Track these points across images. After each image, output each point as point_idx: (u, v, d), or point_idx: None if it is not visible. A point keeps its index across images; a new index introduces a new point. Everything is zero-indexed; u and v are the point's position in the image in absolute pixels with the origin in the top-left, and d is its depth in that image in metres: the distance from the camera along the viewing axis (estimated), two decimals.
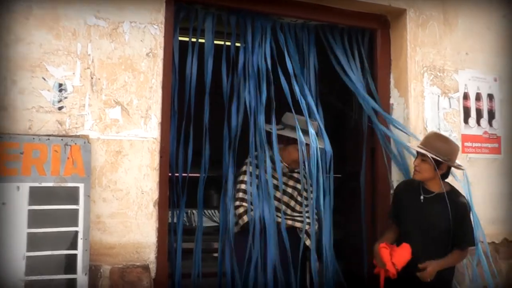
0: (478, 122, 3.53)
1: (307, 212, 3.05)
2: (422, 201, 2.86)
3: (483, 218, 3.45)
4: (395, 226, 3.02)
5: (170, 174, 2.96)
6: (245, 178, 3.07)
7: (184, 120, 3.04)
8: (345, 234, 3.99)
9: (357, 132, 3.69)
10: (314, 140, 3.00)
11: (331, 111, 3.77)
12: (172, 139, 2.95)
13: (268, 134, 3.09)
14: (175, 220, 3.10)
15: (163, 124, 2.80)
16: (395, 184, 3.32)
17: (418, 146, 2.88)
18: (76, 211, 2.49)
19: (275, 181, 3.05)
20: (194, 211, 4.31)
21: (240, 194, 3.04)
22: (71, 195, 2.50)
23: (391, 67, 3.53)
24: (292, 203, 3.19)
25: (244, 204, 3.02)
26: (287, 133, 3.12)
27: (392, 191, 3.26)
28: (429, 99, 3.39)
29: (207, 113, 3.11)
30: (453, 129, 3.43)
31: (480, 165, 3.50)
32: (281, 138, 3.11)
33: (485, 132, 3.55)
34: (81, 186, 2.52)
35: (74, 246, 2.47)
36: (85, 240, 2.49)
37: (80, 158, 2.54)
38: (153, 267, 2.71)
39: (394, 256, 2.77)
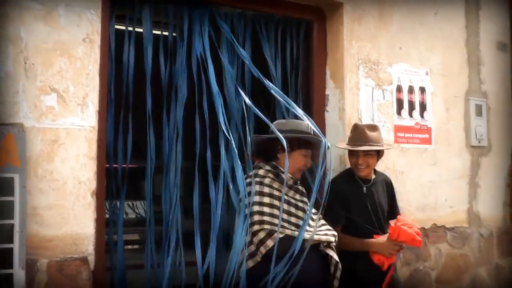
0: (410, 114, 3.85)
1: (324, 224, 2.85)
2: (365, 191, 3.11)
3: (414, 205, 3.81)
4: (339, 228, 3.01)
5: (107, 166, 3.02)
6: (257, 198, 2.68)
7: (122, 109, 3.11)
8: None
9: None
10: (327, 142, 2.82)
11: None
12: (110, 128, 3.02)
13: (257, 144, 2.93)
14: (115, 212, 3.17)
15: (100, 113, 2.86)
16: None
17: (357, 145, 3.04)
18: (11, 203, 2.51)
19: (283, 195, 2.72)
20: (136, 202, 4.38)
21: (256, 217, 2.64)
22: (6, 186, 2.51)
23: (327, 59, 3.77)
24: (305, 217, 2.77)
25: (265, 226, 2.62)
26: (292, 134, 2.84)
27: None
28: (364, 91, 3.66)
29: (149, 102, 3.19)
30: (387, 120, 3.72)
31: (411, 154, 3.82)
32: (280, 146, 2.77)
33: (417, 123, 3.87)
34: (16, 177, 2.54)
35: (9, 239, 2.49)
36: (21, 233, 2.52)
37: (14, 147, 2.55)
38: (91, 259, 2.77)
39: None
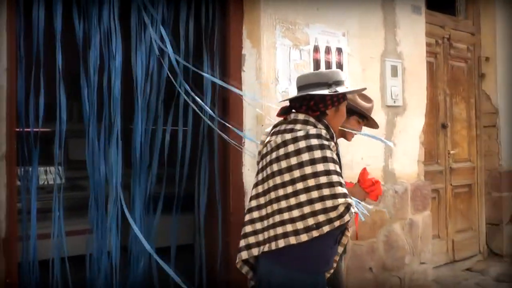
0: None
1: None
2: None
3: None
4: None
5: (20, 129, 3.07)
6: (322, 166, 2.27)
7: (34, 67, 3.15)
8: None
9: None
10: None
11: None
12: (20, 87, 3.05)
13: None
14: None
15: (10, 70, 2.89)
16: None
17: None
18: None
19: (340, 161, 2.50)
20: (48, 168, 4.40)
21: (339, 189, 2.26)
22: None
23: (244, 19, 3.91)
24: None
25: (340, 201, 2.24)
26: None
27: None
28: (280, 51, 3.85)
29: (59, 60, 3.23)
30: None
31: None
32: (328, 101, 2.46)
33: None
34: None
35: None
36: None
37: None
38: (2, 226, 2.83)
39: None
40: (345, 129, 2.98)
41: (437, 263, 5.50)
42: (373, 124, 3.17)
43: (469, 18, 6.25)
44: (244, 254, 2.44)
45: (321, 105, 2.45)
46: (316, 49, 4.05)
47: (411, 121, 4.78)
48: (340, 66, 4.18)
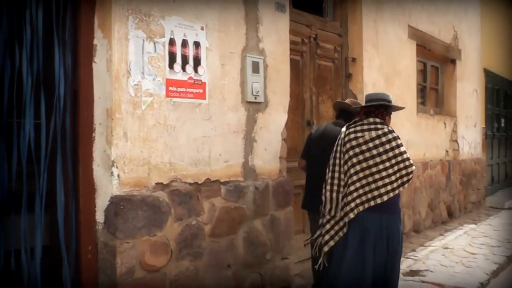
0: (183, 68, 3.95)
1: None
2: None
3: (187, 160, 3.94)
4: None
5: None
6: (403, 148, 3.84)
7: None
8: None
9: None
10: None
11: None
12: None
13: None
14: None
15: None
16: None
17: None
18: None
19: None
20: None
21: (411, 161, 3.84)
22: None
23: (96, 7, 3.68)
24: None
25: (413, 167, 3.88)
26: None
27: None
28: (133, 43, 3.65)
29: None
30: (158, 73, 3.77)
31: (184, 109, 3.94)
32: (386, 110, 3.95)
33: (190, 78, 3.99)
34: None
35: None
36: None
37: None
38: None
39: None
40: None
41: (301, 257, 5.54)
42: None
43: (336, 20, 6.38)
44: (356, 210, 3.72)
45: (385, 113, 3.94)
46: (172, 42, 3.89)
47: (273, 118, 4.76)
48: (198, 60, 4.05)
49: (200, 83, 4.06)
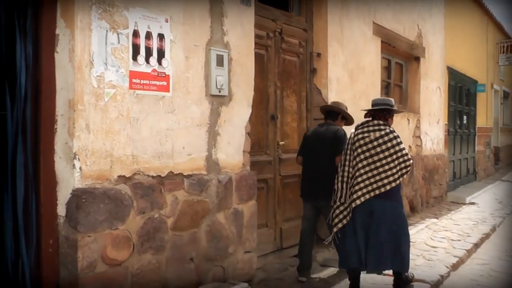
0: (147, 60, 3.97)
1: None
2: None
3: (149, 152, 3.96)
4: None
5: None
6: (402, 145, 4.64)
7: None
8: None
9: None
10: None
11: None
12: None
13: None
14: None
15: None
16: None
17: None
18: None
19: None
20: None
21: (408, 156, 4.64)
22: None
23: None
24: None
25: (411, 161, 4.70)
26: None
27: None
28: (96, 33, 3.65)
29: None
30: (121, 65, 3.78)
31: (148, 101, 3.96)
32: (388, 113, 4.81)
33: (154, 70, 4.01)
34: None
35: None
36: None
37: None
38: None
39: None
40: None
41: (264, 251, 5.63)
42: (350, 122, 5.47)
43: (302, 15, 6.47)
44: (363, 198, 4.51)
45: (387, 116, 4.77)
46: (136, 34, 3.90)
47: (237, 112, 4.81)
48: (162, 52, 4.07)
49: (164, 75, 4.08)
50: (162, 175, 4.07)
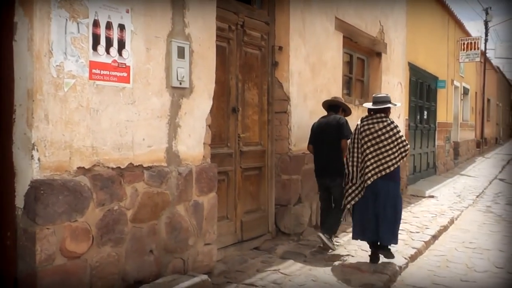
0: (107, 51, 3.99)
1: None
2: None
3: (109, 144, 4.00)
4: None
5: None
6: (401, 133, 5.76)
7: None
8: None
9: None
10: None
11: None
12: None
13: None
14: None
15: None
16: None
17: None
18: None
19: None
20: None
21: (406, 142, 5.75)
22: None
23: None
24: None
25: (408, 146, 5.78)
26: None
27: None
28: (56, 22, 3.65)
29: None
30: (81, 55, 3.80)
31: (108, 92, 4.00)
32: (390, 109, 5.97)
33: (114, 61, 4.05)
34: None
35: None
36: None
37: None
38: None
39: None
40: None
41: (225, 243, 5.72)
42: (348, 113, 6.74)
43: (264, 8, 6.56)
44: (372, 179, 5.62)
45: (387, 109, 5.87)
46: (96, 24, 3.92)
47: (198, 104, 4.88)
48: (122, 43, 4.10)
49: (124, 66, 4.12)
50: (122, 167, 4.11)
